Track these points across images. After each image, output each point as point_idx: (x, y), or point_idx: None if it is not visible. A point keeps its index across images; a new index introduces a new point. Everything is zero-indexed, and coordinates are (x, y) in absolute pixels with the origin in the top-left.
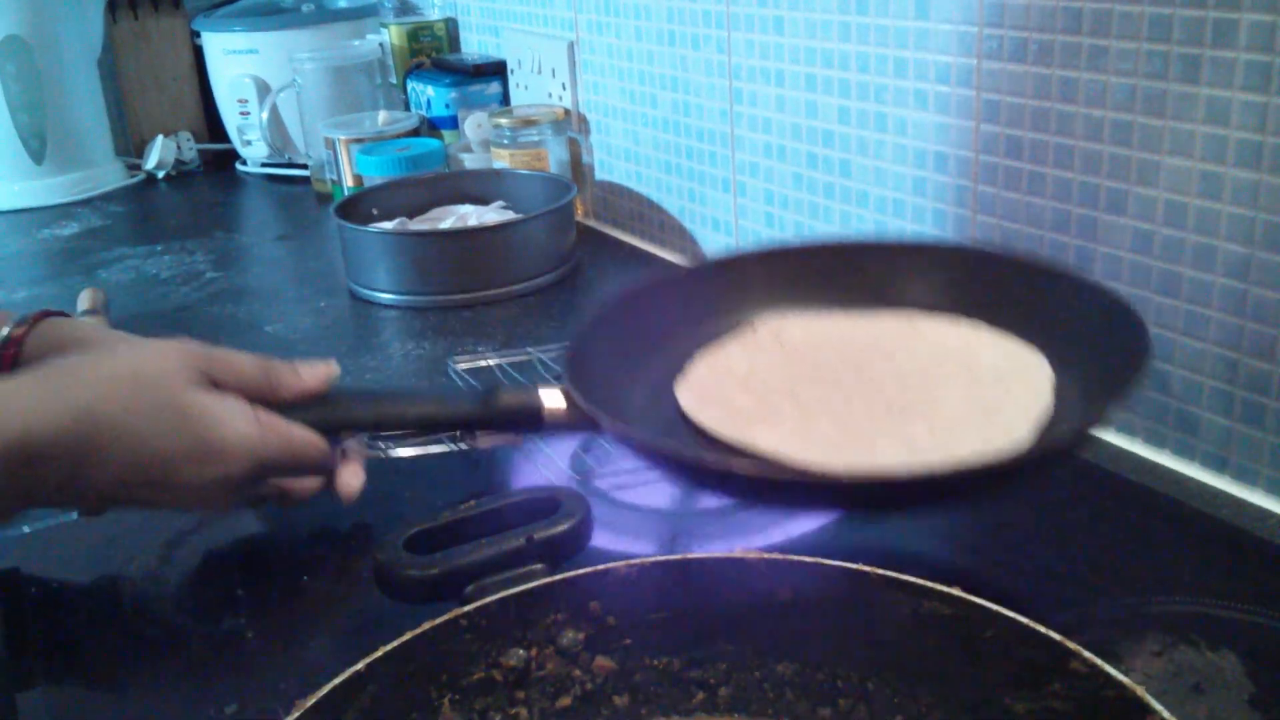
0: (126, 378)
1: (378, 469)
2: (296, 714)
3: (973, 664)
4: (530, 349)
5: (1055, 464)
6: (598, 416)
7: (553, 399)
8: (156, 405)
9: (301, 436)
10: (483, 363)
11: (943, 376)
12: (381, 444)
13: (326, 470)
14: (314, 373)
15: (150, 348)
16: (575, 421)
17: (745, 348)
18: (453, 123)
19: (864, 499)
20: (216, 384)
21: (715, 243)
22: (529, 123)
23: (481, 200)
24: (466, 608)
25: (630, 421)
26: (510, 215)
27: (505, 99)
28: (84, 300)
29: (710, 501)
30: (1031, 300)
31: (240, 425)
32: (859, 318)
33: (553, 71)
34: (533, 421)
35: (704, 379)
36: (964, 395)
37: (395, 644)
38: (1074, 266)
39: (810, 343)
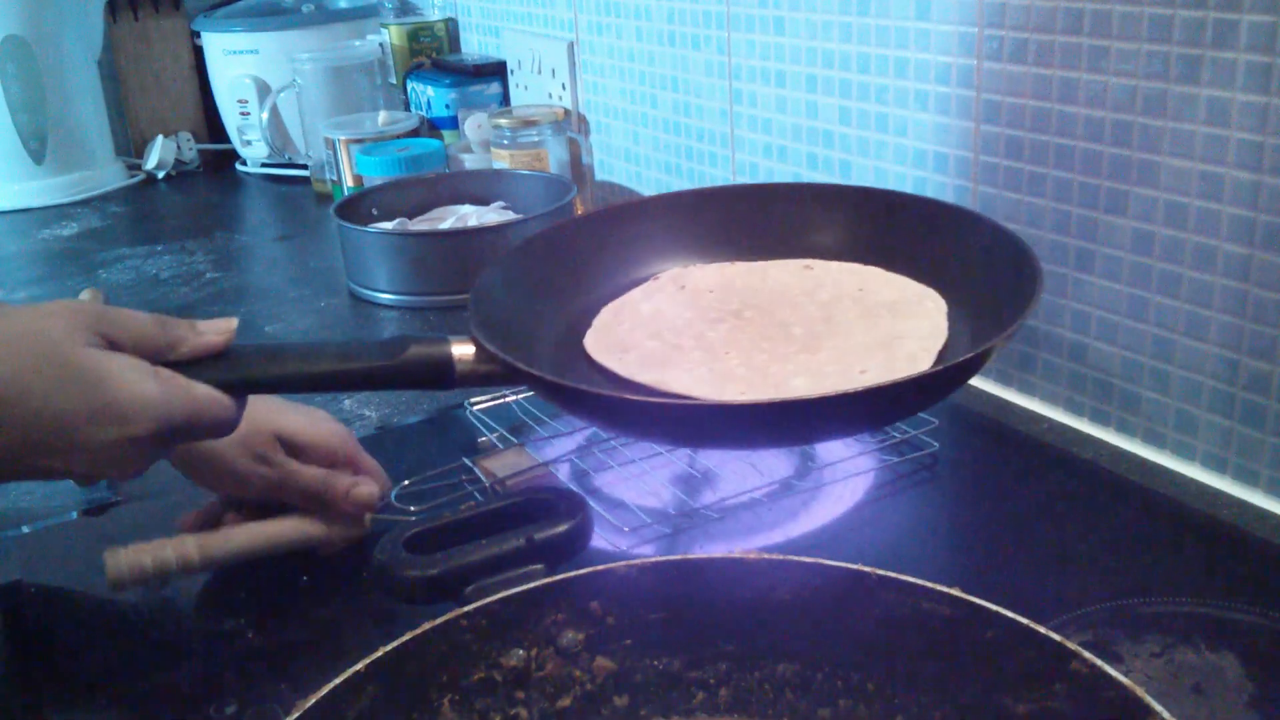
0: (15, 339)
1: (375, 452)
2: (296, 714)
3: (973, 665)
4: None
5: (953, 385)
6: (513, 363)
7: (463, 349)
8: (50, 365)
9: (205, 393)
10: (500, 401)
11: (844, 314)
12: (413, 507)
13: (232, 429)
14: (213, 327)
15: (39, 308)
16: (487, 373)
17: (649, 296)
18: (453, 123)
19: (779, 424)
20: (112, 343)
21: None
22: (529, 123)
23: (481, 200)
24: (466, 608)
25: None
26: (510, 216)
27: (505, 99)
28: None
29: (710, 502)
30: (925, 241)
31: (140, 382)
32: (759, 265)
33: (553, 72)
34: (443, 374)
35: (610, 327)
36: (865, 329)
37: (395, 644)
38: (965, 207)
39: (712, 288)
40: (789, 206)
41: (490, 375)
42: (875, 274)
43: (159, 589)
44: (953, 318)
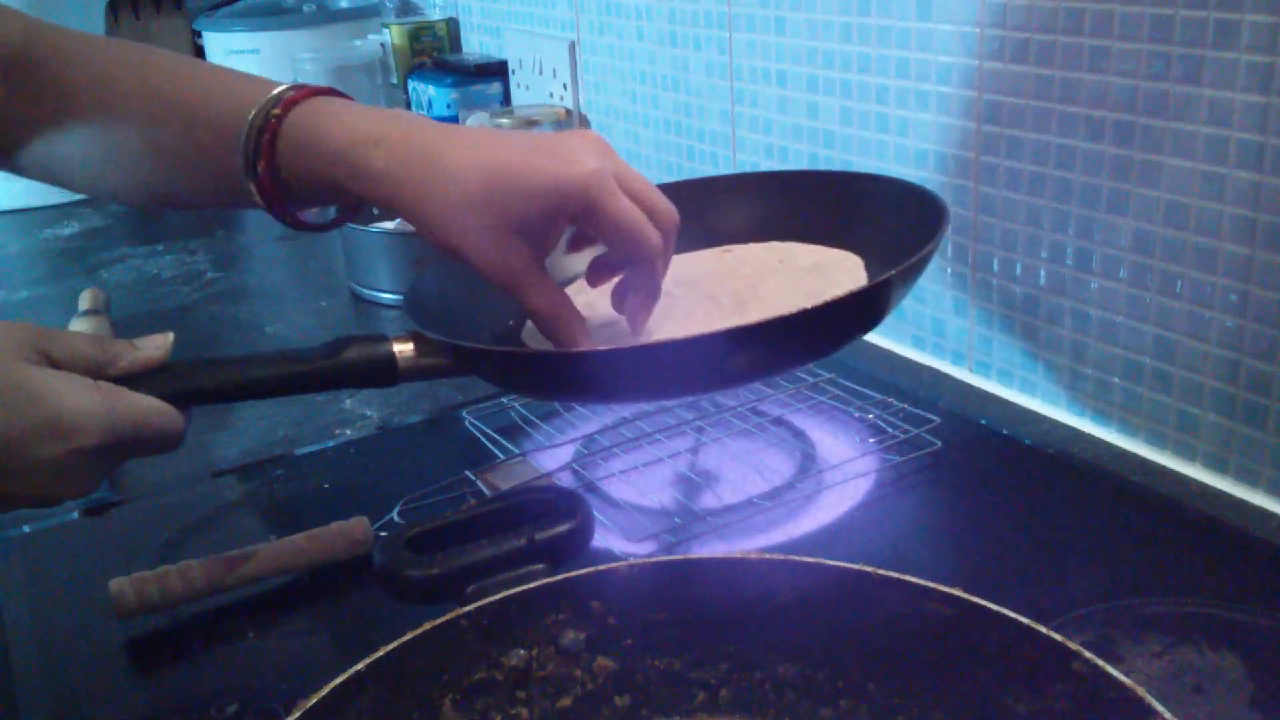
0: None
1: (377, 465)
2: (297, 714)
3: (974, 665)
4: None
5: (864, 314)
6: (456, 343)
7: (403, 345)
8: None
9: (150, 403)
10: (498, 409)
11: (768, 282)
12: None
13: (180, 441)
14: (150, 343)
15: None
16: (429, 365)
17: (579, 292)
18: (454, 123)
19: (703, 360)
20: (50, 360)
21: None
22: (530, 123)
23: None
24: (468, 608)
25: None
26: None
27: (506, 99)
28: (85, 300)
29: (711, 502)
30: (834, 211)
31: (81, 395)
32: (679, 256)
33: (554, 72)
34: (386, 370)
35: None
36: (791, 289)
37: (396, 644)
38: (863, 171)
39: None
40: (701, 201)
41: (432, 368)
42: (792, 246)
43: (166, 616)
44: (874, 273)
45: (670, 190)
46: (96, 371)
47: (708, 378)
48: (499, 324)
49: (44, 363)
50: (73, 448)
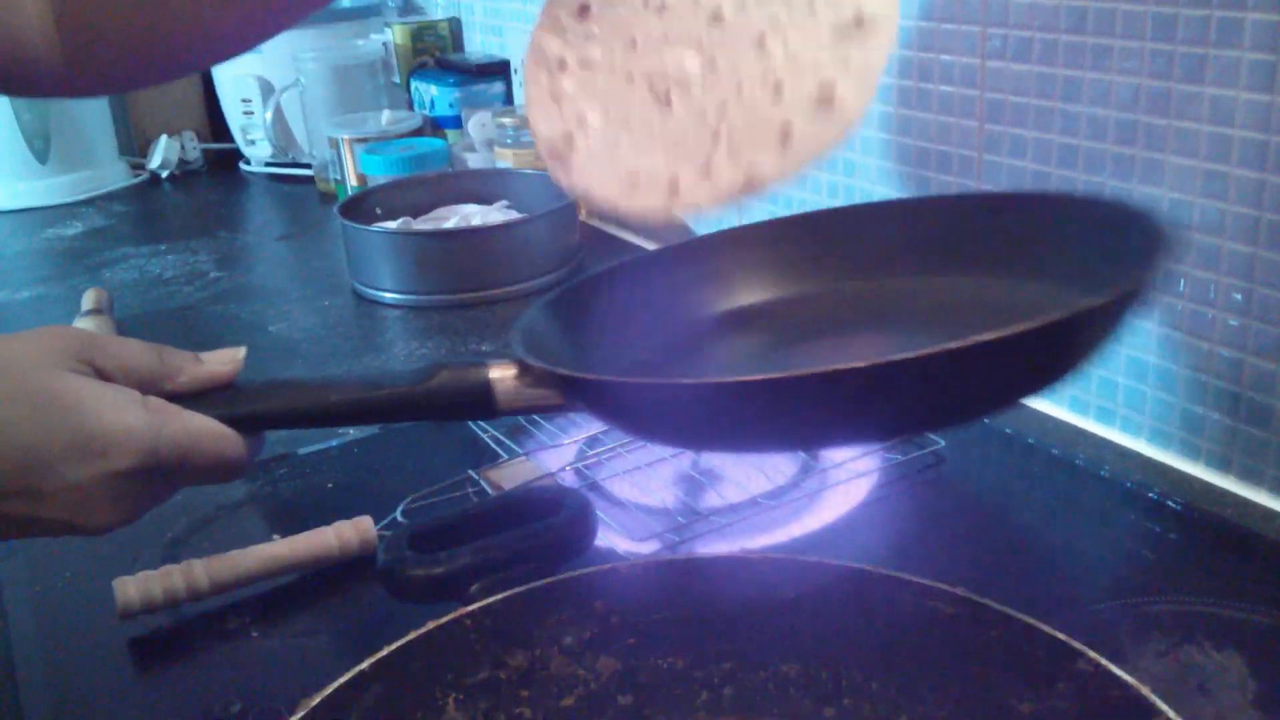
0: None
1: (381, 464)
2: (301, 713)
3: (977, 664)
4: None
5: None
6: (572, 376)
7: (503, 372)
8: (24, 392)
9: (203, 425)
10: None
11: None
12: None
13: (240, 470)
14: (217, 358)
15: (19, 335)
16: (535, 398)
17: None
18: (456, 122)
19: (872, 386)
20: (101, 372)
21: None
22: None
23: (485, 200)
24: (471, 607)
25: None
26: (514, 215)
27: (509, 98)
28: (88, 300)
29: (714, 501)
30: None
31: (126, 411)
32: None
33: None
34: (482, 401)
35: None
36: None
37: (399, 643)
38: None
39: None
40: (868, 226)
41: (539, 401)
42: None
43: (169, 616)
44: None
45: (807, 221)
46: (152, 386)
47: (907, 414)
48: (628, 358)
49: (89, 373)
50: (107, 470)
